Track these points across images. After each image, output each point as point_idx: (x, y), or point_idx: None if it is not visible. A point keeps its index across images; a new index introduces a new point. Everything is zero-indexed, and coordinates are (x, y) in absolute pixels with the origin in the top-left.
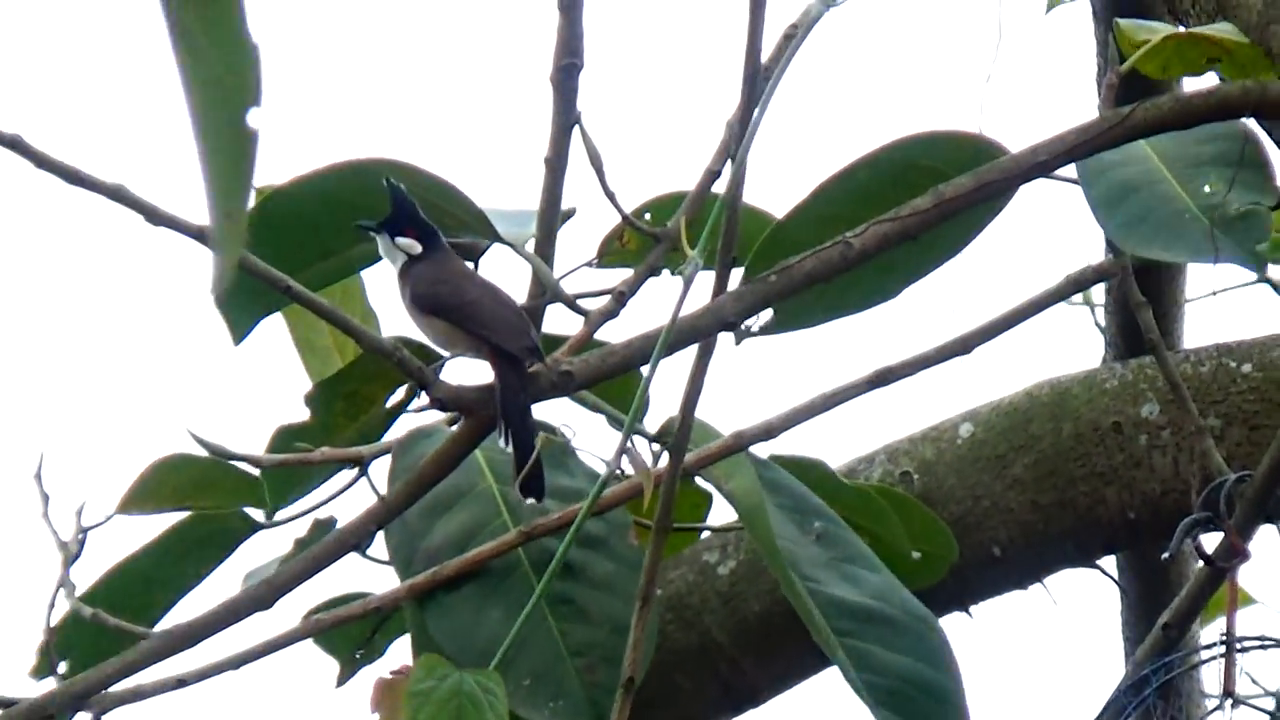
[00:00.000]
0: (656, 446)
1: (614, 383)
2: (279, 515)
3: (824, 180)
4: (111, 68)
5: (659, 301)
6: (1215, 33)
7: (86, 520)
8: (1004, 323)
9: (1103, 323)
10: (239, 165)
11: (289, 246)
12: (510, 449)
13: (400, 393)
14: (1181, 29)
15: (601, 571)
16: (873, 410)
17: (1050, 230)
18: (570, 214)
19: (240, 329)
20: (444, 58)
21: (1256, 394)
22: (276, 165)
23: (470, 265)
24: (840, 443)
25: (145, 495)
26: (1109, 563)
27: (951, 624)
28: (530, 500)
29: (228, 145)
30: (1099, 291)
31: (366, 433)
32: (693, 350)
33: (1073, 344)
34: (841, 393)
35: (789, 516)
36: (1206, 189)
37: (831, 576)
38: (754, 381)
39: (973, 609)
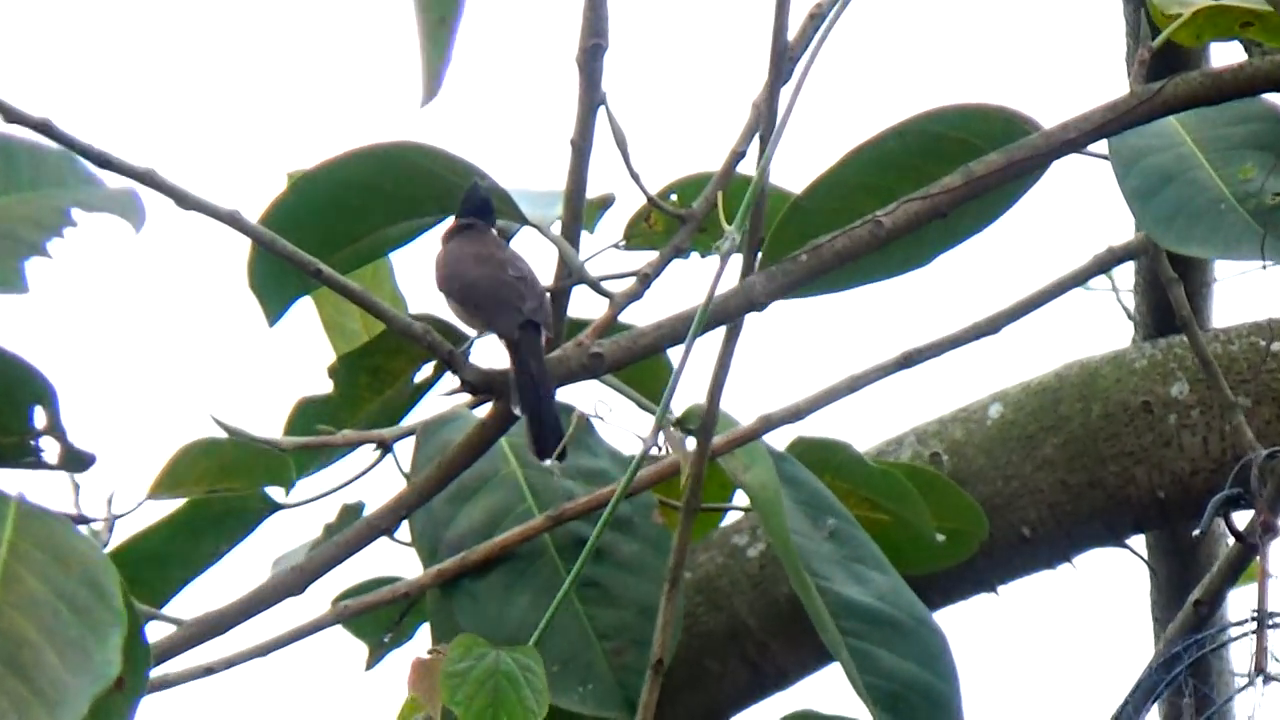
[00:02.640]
0: (679, 430)
1: (638, 366)
2: (299, 496)
3: (850, 150)
4: (142, 55)
5: (685, 283)
6: (1244, 2)
7: (117, 508)
8: (1032, 302)
9: (1128, 303)
10: None
11: (319, 230)
12: (525, 416)
13: (427, 369)
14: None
15: (627, 552)
16: (901, 391)
17: (1080, 205)
18: (609, 201)
19: (274, 310)
20: (470, 40)
21: None
22: (306, 150)
23: (502, 242)
24: (869, 424)
25: (174, 480)
26: (1138, 542)
27: (980, 604)
28: (548, 462)
29: None
30: (1126, 271)
31: (390, 408)
32: (718, 333)
33: (1102, 324)
34: (868, 374)
35: (804, 511)
36: (1242, 177)
37: (841, 575)
38: (781, 363)
39: (1001, 589)
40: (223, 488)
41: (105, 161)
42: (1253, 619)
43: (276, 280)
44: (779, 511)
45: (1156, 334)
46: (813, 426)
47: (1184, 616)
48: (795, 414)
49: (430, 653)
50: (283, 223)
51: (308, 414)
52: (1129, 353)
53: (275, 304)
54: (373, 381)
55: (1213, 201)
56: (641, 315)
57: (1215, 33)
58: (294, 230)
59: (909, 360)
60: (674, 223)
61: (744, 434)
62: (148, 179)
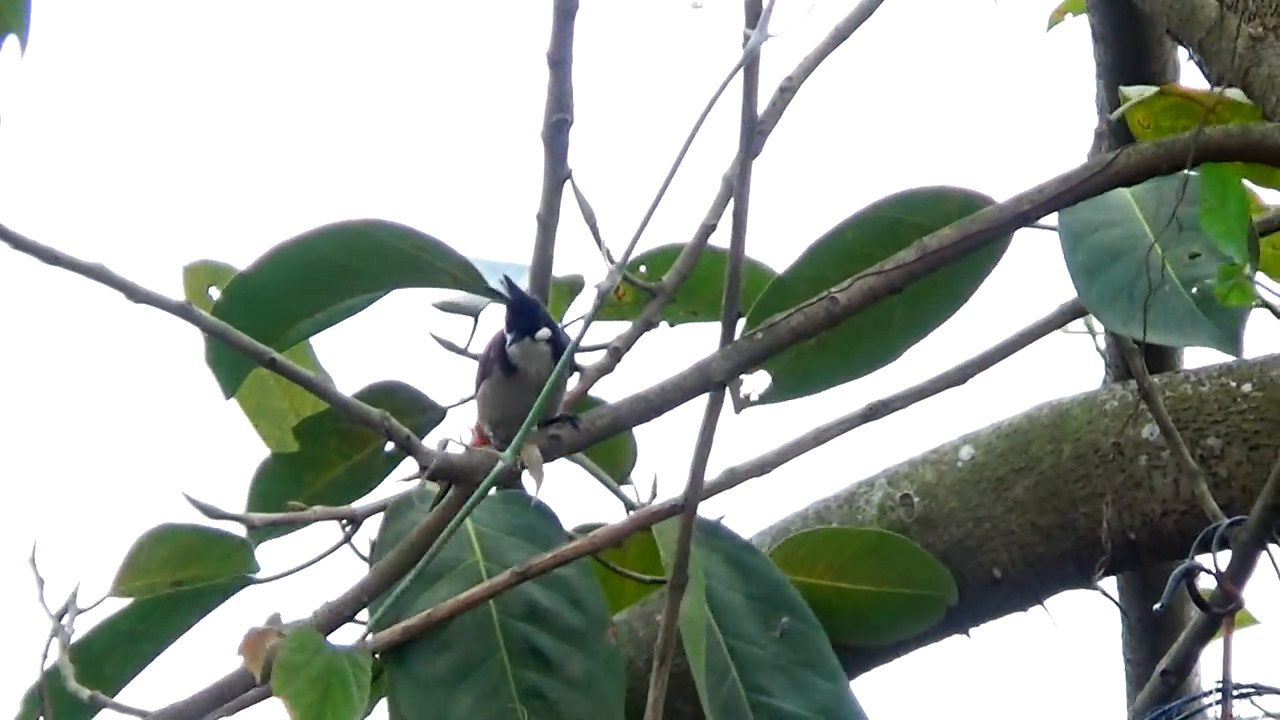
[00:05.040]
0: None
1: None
2: (267, 572)
3: (811, 244)
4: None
5: (657, 355)
6: (1200, 94)
7: (81, 602)
8: (1001, 351)
9: (1103, 347)
10: None
11: (282, 303)
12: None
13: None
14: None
15: (578, 669)
16: (873, 433)
17: (1046, 267)
18: (579, 285)
19: (230, 384)
20: (433, 117)
21: (1257, 413)
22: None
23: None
24: (840, 466)
25: (136, 572)
26: (1110, 584)
27: (951, 646)
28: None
29: None
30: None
31: (359, 475)
32: (699, 403)
33: (1073, 366)
34: (835, 427)
35: (755, 610)
36: (1189, 258)
37: (783, 684)
38: (745, 415)
39: (973, 631)
40: (186, 577)
41: (53, 258)
42: (1218, 689)
43: (229, 358)
44: (699, 644)
45: (1128, 375)
46: (779, 478)
47: (1151, 686)
48: (761, 467)
49: (267, 624)
50: (246, 297)
51: (273, 474)
52: (1100, 394)
53: (231, 378)
54: (341, 445)
55: (1155, 283)
56: (612, 389)
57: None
58: (257, 304)
59: (875, 412)
60: (643, 295)
61: (710, 489)
62: (97, 274)
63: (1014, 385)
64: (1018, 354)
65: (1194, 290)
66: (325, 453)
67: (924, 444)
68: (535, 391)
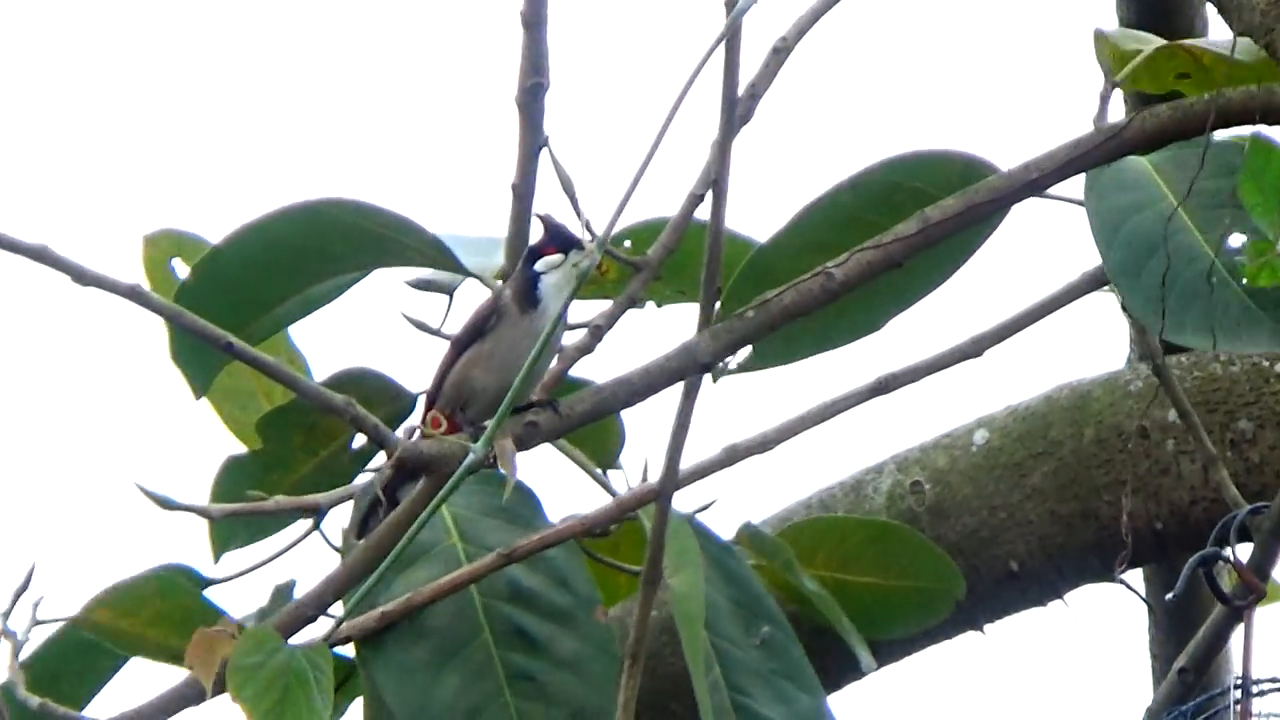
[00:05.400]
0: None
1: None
2: (232, 569)
3: (805, 206)
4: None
5: (641, 334)
6: (1202, 46)
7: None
8: (1018, 322)
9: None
10: None
11: (246, 292)
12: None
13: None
14: (1162, 42)
15: (568, 649)
16: (880, 415)
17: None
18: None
19: (200, 382)
20: (403, 83)
21: None
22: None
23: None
24: (845, 450)
25: (114, 612)
26: (1136, 577)
27: (965, 644)
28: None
29: None
30: None
31: (329, 472)
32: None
33: (1094, 344)
34: (841, 402)
35: (737, 614)
36: (1232, 242)
37: (765, 692)
38: (745, 388)
39: (987, 627)
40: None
41: None
42: (1237, 686)
43: (198, 350)
44: (697, 631)
45: None
46: (782, 456)
47: (1169, 685)
48: (763, 444)
49: (218, 630)
50: (207, 286)
51: (235, 474)
52: (1123, 374)
53: (200, 375)
54: (307, 441)
55: (1201, 275)
56: (594, 370)
57: (1150, 83)
58: (219, 294)
59: (884, 386)
60: (626, 271)
61: (707, 467)
62: (41, 256)
63: (1030, 364)
64: (1036, 326)
65: (1243, 278)
66: (290, 450)
67: (935, 427)
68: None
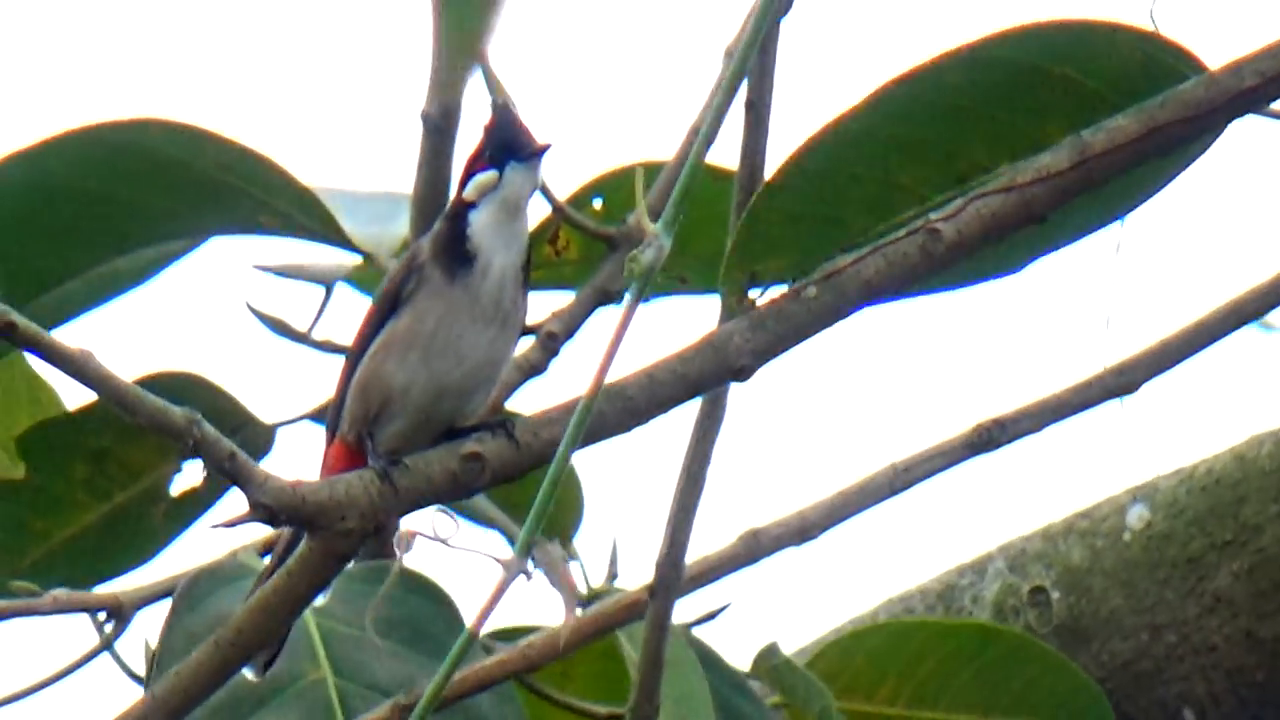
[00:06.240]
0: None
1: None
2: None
3: (875, 89)
4: None
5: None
6: None
7: None
8: (1194, 339)
9: None
10: None
11: (9, 262)
12: None
13: (195, 474)
14: None
15: None
16: (982, 483)
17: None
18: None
19: None
20: None
21: None
22: None
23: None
24: (927, 538)
25: None
26: None
27: None
28: None
29: None
30: None
31: (125, 527)
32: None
33: None
34: (923, 462)
35: None
36: None
37: None
38: (774, 434)
39: None
40: None
41: None
42: None
43: None
44: None
45: None
46: (828, 547)
47: None
48: (802, 530)
49: None
50: None
51: None
52: None
53: None
54: (94, 477)
55: None
56: (548, 395)
57: None
58: None
59: (988, 439)
60: (596, 246)
61: (717, 564)
62: None
63: (1213, 405)
64: (1222, 344)
65: None
66: (69, 486)
67: (1067, 503)
68: (491, 326)
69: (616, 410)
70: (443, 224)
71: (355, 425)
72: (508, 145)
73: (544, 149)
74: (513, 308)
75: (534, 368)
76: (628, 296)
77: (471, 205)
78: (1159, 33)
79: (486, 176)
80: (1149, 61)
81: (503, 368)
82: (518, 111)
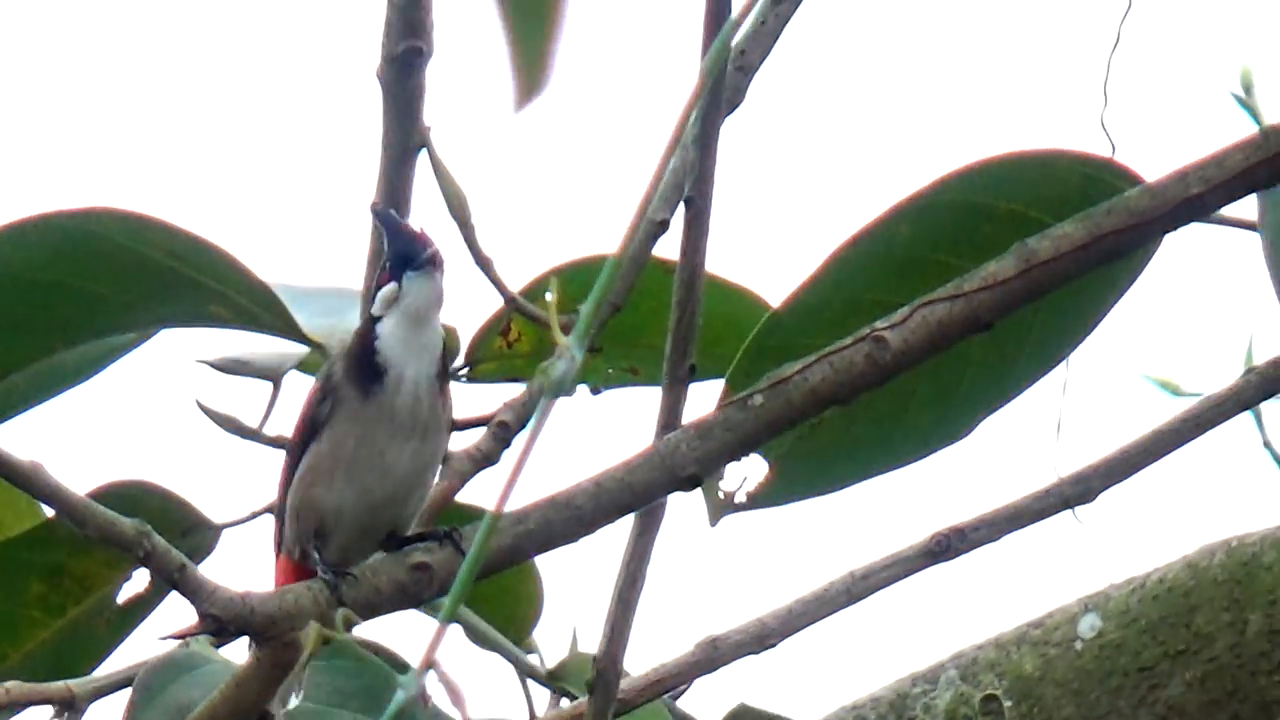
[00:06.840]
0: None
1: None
2: None
3: (839, 247)
4: None
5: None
6: None
7: None
8: (1147, 450)
9: None
10: None
11: None
12: None
13: (141, 579)
14: None
15: None
16: (936, 591)
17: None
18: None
19: None
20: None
21: None
22: None
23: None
24: (882, 646)
25: None
26: None
27: None
28: None
29: None
30: None
31: (81, 638)
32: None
33: (1263, 482)
34: (879, 572)
35: None
36: None
37: None
38: (732, 542)
39: None
40: None
41: None
42: None
43: None
44: None
45: None
46: (784, 654)
47: None
48: (760, 638)
49: None
50: None
51: None
52: None
53: None
54: (49, 594)
55: None
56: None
57: None
58: None
59: (946, 547)
60: (547, 338)
61: (676, 672)
62: None
63: (1165, 513)
64: (1173, 454)
65: None
66: (24, 604)
67: (1020, 612)
68: (412, 439)
69: (564, 520)
70: (354, 340)
71: (298, 542)
72: (402, 255)
73: (434, 256)
74: (431, 416)
75: (486, 458)
76: (537, 411)
77: (379, 319)
78: (1094, 153)
79: (388, 289)
80: (1088, 182)
81: (433, 471)
82: (404, 218)
